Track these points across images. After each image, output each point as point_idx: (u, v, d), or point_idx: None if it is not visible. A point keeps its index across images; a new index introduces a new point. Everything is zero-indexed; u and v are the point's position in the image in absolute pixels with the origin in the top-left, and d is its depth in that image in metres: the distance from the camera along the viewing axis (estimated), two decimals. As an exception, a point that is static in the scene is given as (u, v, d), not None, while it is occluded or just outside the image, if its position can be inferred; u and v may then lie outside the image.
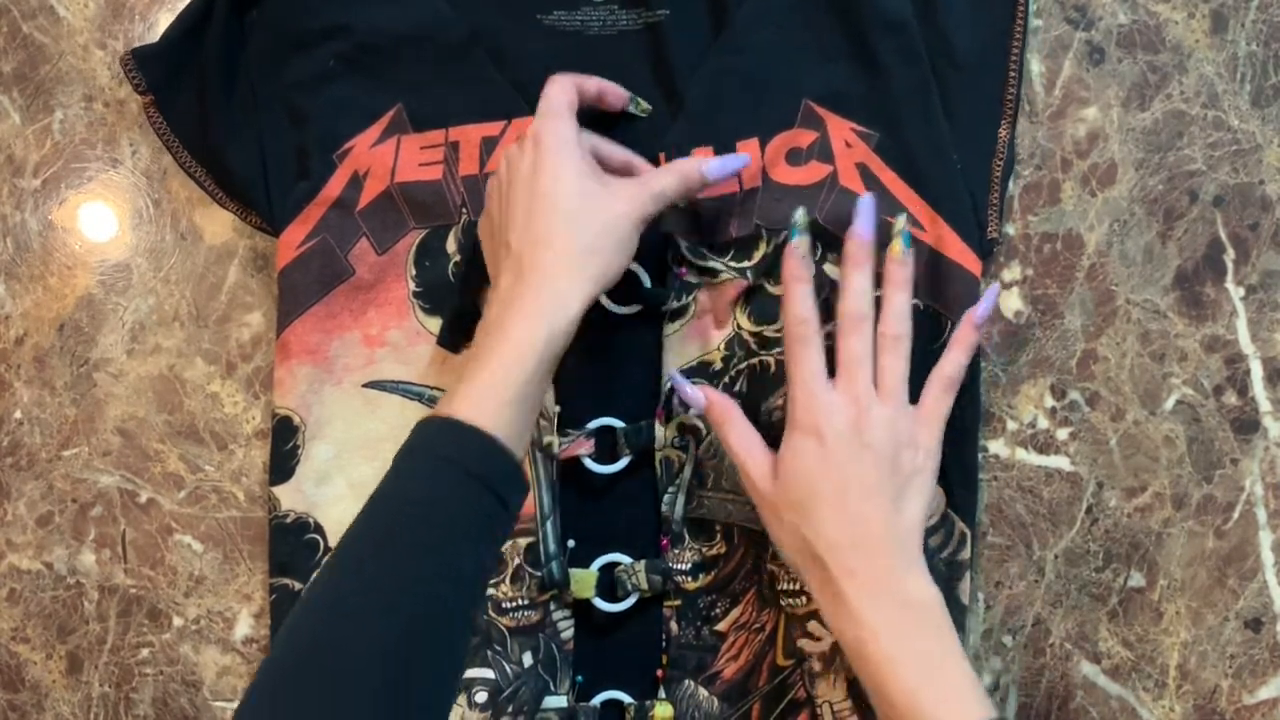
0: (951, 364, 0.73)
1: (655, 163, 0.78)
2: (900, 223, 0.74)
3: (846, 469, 0.69)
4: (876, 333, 0.72)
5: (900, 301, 0.73)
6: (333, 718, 0.58)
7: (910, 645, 0.67)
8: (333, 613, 0.61)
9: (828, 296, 0.78)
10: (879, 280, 0.77)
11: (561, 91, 0.73)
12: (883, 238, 0.74)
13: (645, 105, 0.80)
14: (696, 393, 0.75)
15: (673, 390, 0.78)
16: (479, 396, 0.65)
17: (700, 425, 0.78)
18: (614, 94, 0.78)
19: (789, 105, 0.79)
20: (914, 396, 0.78)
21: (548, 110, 0.72)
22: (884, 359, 0.72)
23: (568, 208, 0.69)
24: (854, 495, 0.69)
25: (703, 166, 0.74)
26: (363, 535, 0.63)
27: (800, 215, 0.74)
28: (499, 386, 0.65)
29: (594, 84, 0.77)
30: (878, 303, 0.78)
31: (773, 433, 0.78)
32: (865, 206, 0.74)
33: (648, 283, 0.79)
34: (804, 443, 0.70)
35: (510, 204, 0.71)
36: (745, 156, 0.76)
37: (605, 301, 0.79)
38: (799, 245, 0.73)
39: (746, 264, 0.78)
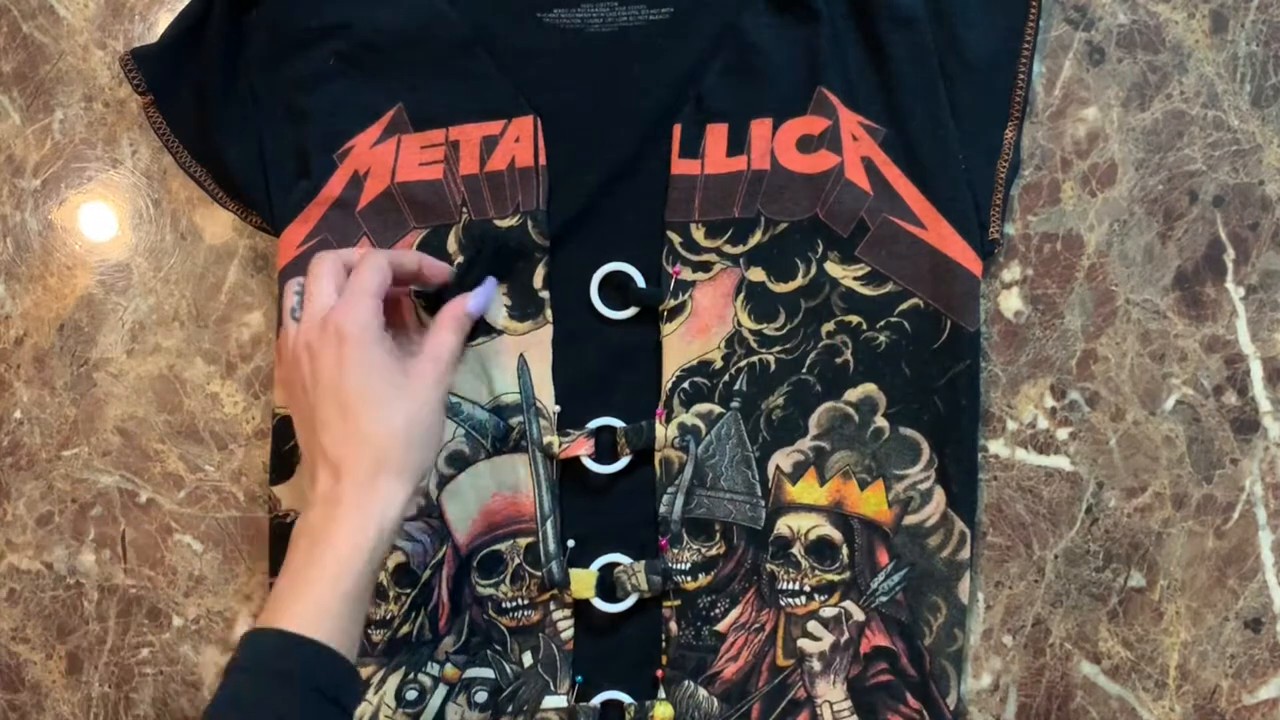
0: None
1: (669, 142, 0.79)
2: None
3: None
4: None
5: None
6: None
7: None
8: None
9: (829, 295, 0.78)
10: (881, 280, 0.77)
11: (373, 273, 0.72)
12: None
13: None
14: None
15: (674, 390, 0.78)
16: (309, 610, 0.65)
17: (700, 425, 0.78)
18: (434, 269, 0.77)
19: (804, 89, 0.79)
20: (914, 397, 0.78)
21: (352, 294, 0.71)
22: None
23: (379, 403, 0.69)
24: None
25: (466, 305, 0.75)
26: None
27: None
28: (329, 597, 0.65)
29: (413, 259, 0.76)
30: (883, 301, 0.78)
31: (774, 432, 0.78)
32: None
33: (641, 283, 0.79)
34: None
35: (321, 403, 0.70)
36: (491, 284, 0.77)
37: (601, 308, 0.79)
38: None
39: (741, 249, 0.79)
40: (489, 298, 0.77)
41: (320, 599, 0.65)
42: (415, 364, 0.72)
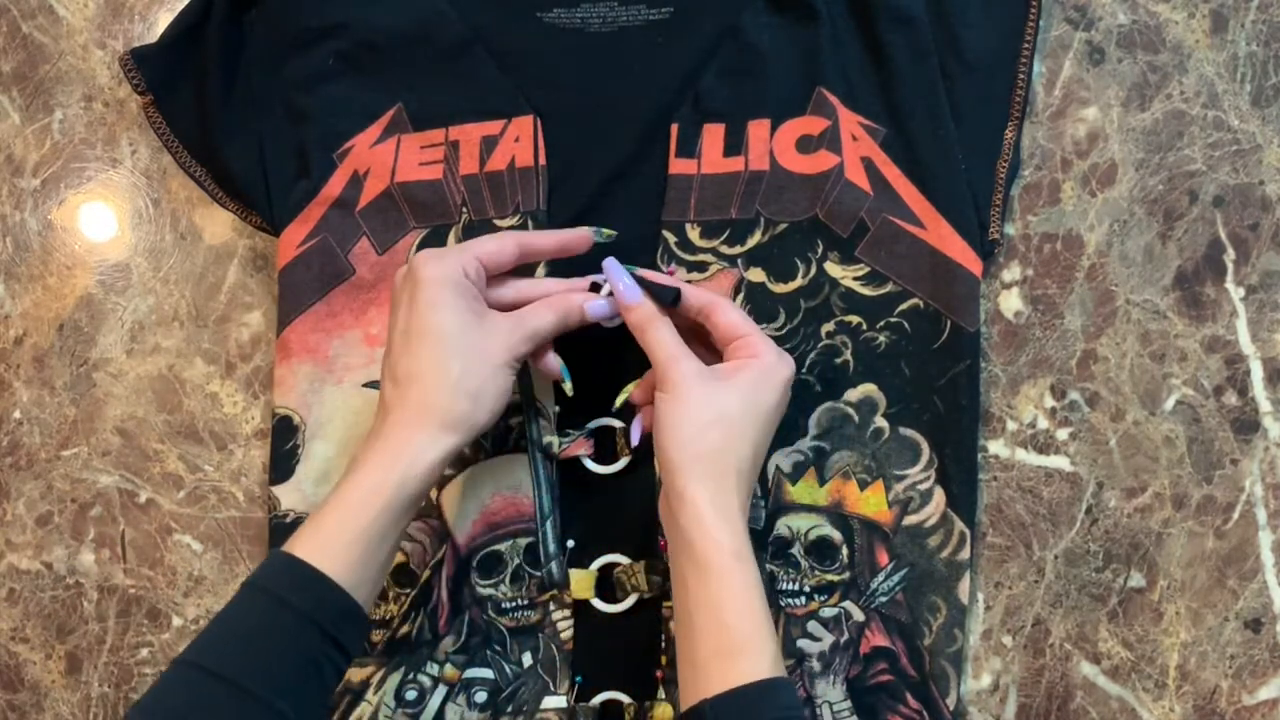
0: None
1: (666, 138, 0.79)
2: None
3: (776, 405, 0.70)
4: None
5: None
6: None
7: (752, 568, 0.67)
8: None
9: (828, 295, 0.78)
10: (881, 280, 0.77)
11: (488, 240, 0.72)
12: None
13: (609, 232, 0.77)
14: (633, 284, 0.73)
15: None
16: (324, 538, 0.65)
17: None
18: (577, 239, 0.76)
19: (802, 90, 0.79)
20: (914, 397, 0.78)
21: (449, 250, 0.71)
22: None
23: (441, 339, 0.68)
24: (766, 430, 0.70)
25: (586, 304, 0.73)
26: (191, 660, 0.63)
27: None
28: (339, 532, 0.65)
29: (551, 241, 0.75)
30: (883, 301, 0.78)
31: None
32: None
33: None
34: (777, 376, 0.69)
35: (393, 330, 0.70)
36: (636, 291, 0.73)
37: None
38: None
39: (740, 249, 0.79)
40: (607, 312, 0.74)
41: (331, 533, 0.65)
42: (494, 318, 0.71)
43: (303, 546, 0.65)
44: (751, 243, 0.79)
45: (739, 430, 0.68)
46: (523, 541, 0.79)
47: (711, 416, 0.68)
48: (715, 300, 0.72)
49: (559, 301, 0.73)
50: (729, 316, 0.72)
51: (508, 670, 0.79)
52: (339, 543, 0.65)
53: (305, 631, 0.63)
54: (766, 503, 0.78)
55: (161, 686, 0.62)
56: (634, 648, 0.79)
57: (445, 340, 0.68)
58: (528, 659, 0.79)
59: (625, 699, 0.78)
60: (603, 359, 0.80)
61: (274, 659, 0.63)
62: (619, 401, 0.77)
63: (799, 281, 0.79)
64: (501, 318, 0.71)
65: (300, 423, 0.81)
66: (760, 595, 0.66)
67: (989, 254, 0.79)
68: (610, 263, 0.74)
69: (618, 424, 0.79)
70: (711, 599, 0.65)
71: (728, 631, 0.64)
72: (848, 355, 0.79)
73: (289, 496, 0.81)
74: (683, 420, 0.68)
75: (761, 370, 0.69)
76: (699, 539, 0.66)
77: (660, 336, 0.71)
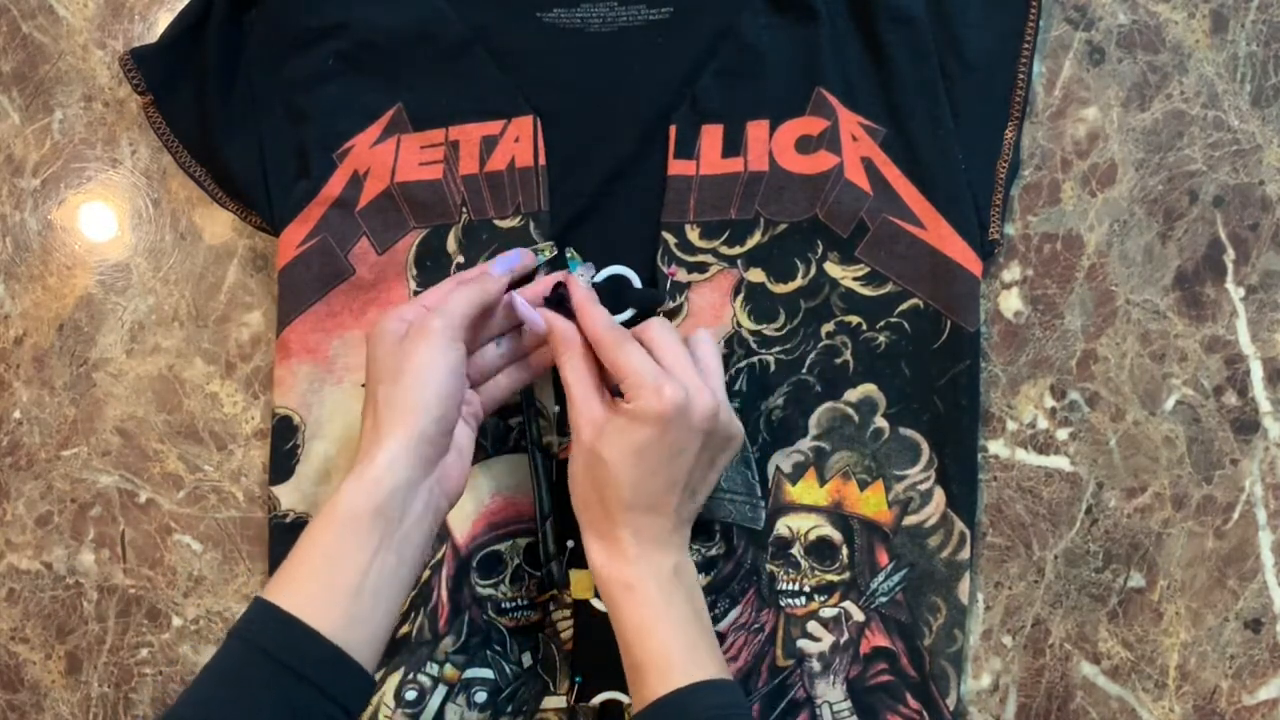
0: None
1: (666, 139, 0.79)
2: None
3: (678, 453, 0.69)
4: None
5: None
6: None
7: (670, 601, 0.69)
8: None
9: (828, 296, 0.78)
10: (881, 280, 0.76)
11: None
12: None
13: (546, 248, 0.79)
14: (535, 315, 0.74)
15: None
16: (296, 588, 0.64)
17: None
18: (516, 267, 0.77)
19: (801, 90, 0.79)
20: (914, 397, 0.78)
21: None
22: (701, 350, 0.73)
23: (380, 356, 0.70)
24: (670, 474, 0.70)
25: (491, 268, 0.75)
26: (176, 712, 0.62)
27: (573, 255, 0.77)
28: (311, 577, 0.65)
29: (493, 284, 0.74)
30: (883, 301, 0.78)
31: (774, 432, 0.78)
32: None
33: (638, 284, 0.79)
34: (647, 416, 0.69)
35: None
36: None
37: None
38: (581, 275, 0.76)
39: (738, 250, 0.79)
40: (515, 261, 0.76)
41: (304, 579, 0.65)
42: (416, 325, 0.71)
43: (278, 591, 0.64)
44: (751, 243, 0.79)
45: (611, 473, 0.69)
46: (523, 541, 0.79)
47: (587, 462, 0.70)
48: (614, 341, 0.71)
49: (466, 284, 0.73)
50: (616, 357, 0.71)
51: (507, 670, 0.79)
52: (313, 587, 0.64)
53: (282, 679, 0.62)
54: (767, 503, 0.78)
55: None
56: (634, 648, 0.79)
57: (389, 365, 0.70)
58: (527, 659, 0.79)
59: (625, 699, 0.78)
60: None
61: (252, 708, 0.62)
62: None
63: (799, 282, 0.79)
64: (421, 324, 0.71)
65: (300, 423, 0.81)
66: (665, 614, 0.69)
67: (989, 254, 0.79)
68: (514, 298, 0.74)
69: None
70: (619, 628, 0.70)
71: (630, 654, 0.69)
72: (848, 355, 0.79)
73: (289, 496, 0.81)
74: (573, 470, 0.71)
75: (637, 413, 0.69)
76: (599, 579, 0.71)
77: (570, 373, 0.72)
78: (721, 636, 0.78)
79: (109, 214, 0.87)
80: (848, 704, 0.77)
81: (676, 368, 0.70)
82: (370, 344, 0.71)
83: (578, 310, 0.73)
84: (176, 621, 0.85)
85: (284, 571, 0.65)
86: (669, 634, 0.68)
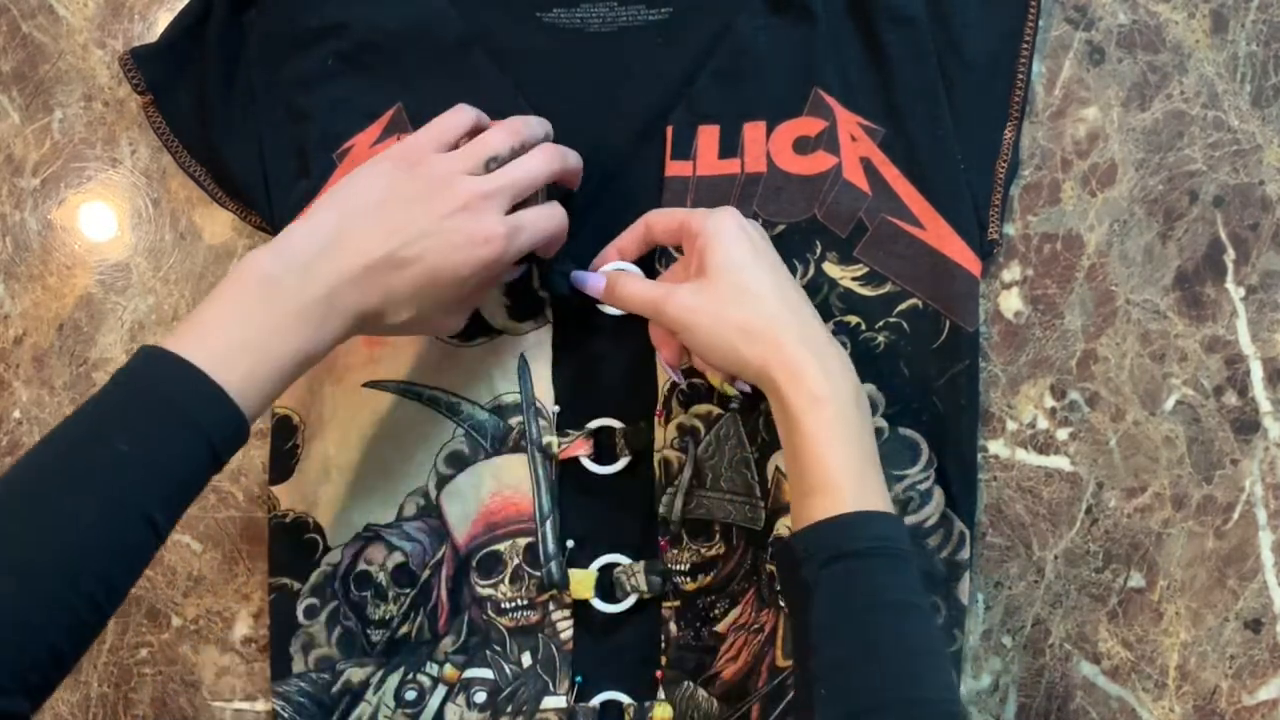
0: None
1: (663, 143, 0.79)
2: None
3: (768, 253, 0.72)
4: None
5: None
6: None
7: (853, 423, 0.68)
8: None
9: (827, 296, 0.78)
10: (879, 280, 0.76)
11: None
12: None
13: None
14: (598, 278, 0.76)
15: (671, 390, 0.78)
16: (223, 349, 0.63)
17: (699, 426, 0.78)
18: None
19: (799, 91, 0.79)
20: (913, 397, 0.78)
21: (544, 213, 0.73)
22: None
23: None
24: (785, 276, 0.71)
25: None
26: (48, 461, 0.61)
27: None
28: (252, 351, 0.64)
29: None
30: (882, 301, 0.78)
31: (773, 432, 0.78)
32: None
33: None
34: (723, 227, 0.71)
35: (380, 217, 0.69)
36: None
37: (601, 305, 0.79)
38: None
39: None
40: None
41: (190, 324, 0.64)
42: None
43: (199, 351, 0.63)
44: (750, 244, 0.79)
45: (746, 285, 0.69)
46: (522, 541, 0.79)
47: (716, 315, 0.70)
48: (643, 220, 0.76)
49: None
50: (662, 222, 0.75)
51: (507, 670, 0.79)
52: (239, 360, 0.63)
53: (200, 451, 0.62)
54: (766, 503, 0.78)
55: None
56: (634, 648, 0.79)
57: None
58: (527, 659, 0.79)
59: (625, 699, 0.78)
60: (600, 360, 0.80)
61: (165, 475, 0.62)
62: (664, 384, 0.79)
63: (798, 282, 0.79)
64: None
65: (300, 422, 0.81)
66: (844, 435, 0.67)
67: (988, 254, 0.79)
68: (574, 270, 0.77)
69: (617, 424, 0.79)
70: (793, 442, 0.68)
71: (804, 475, 0.67)
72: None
73: (288, 496, 0.81)
74: (706, 342, 0.70)
75: (714, 239, 0.70)
76: (787, 387, 0.67)
77: (637, 293, 0.73)
78: (721, 637, 0.78)
79: (109, 214, 0.87)
80: (847, 704, 0.77)
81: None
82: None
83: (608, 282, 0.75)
84: (176, 621, 0.85)
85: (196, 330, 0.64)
86: (848, 457, 0.67)
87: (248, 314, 0.65)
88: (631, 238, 0.77)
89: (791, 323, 0.69)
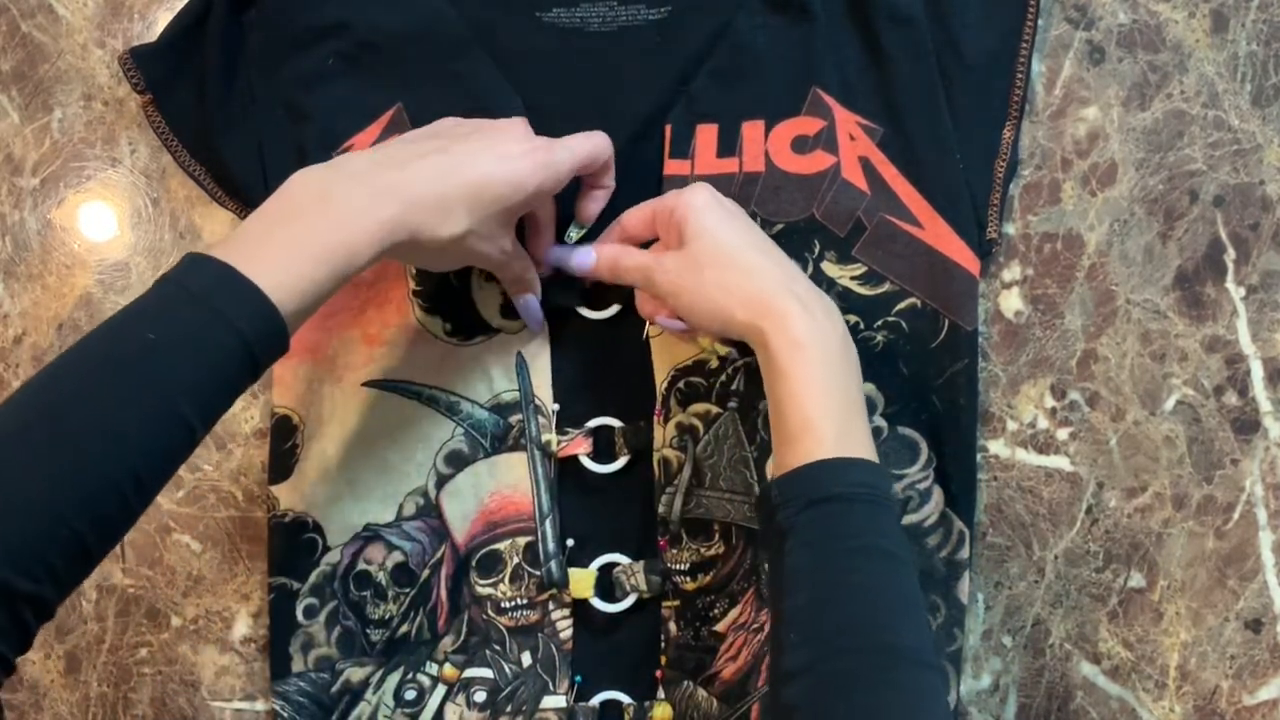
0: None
1: (661, 142, 0.79)
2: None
3: (742, 217, 0.73)
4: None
5: None
6: None
7: (836, 368, 0.68)
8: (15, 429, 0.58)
9: (826, 295, 0.78)
10: (878, 280, 0.76)
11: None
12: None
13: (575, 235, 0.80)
14: (583, 254, 0.77)
15: (670, 390, 0.78)
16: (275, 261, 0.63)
17: (699, 425, 0.78)
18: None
19: (797, 90, 0.79)
20: (912, 397, 0.78)
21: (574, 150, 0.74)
22: None
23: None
24: (761, 236, 0.73)
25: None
26: (87, 356, 0.61)
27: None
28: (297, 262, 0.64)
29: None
30: (880, 300, 0.78)
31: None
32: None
33: None
34: (697, 197, 0.72)
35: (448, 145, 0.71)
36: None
37: (582, 309, 0.79)
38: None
39: None
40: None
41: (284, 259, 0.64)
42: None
43: (249, 261, 0.62)
44: (749, 243, 0.79)
45: (722, 245, 0.70)
46: (522, 540, 0.79)
47: (697, 277, 0.70)
48: (618, 221, 0.77)
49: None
50: (635, 216, 0.76)
51: (507, 670, 0.79)
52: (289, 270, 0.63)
53: (231, 343, 0.61)
54: (766, 502, 0.78)
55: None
56: (634, 648, 0.79)
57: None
58: (527, 659, 0.79)
59: (625, 699, 0.78)
60: (600, 359, 0.80)
61: (194, 365, 0.61)
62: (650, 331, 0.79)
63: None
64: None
65: (299, 422, 0.81)
66: (826, 379, 0.67)
67: (987, 253, 0.79)
68: (555, 250, 0.78)
69: (616, 423, 0.79)
70: (777, 388, 0.67)
71: (785, 421, 0.66)
72: (847, 355, 0.78)
73: (288, 496, 0.81)
74: (691, 303, 0.71)
75: (690, 209, 0.71)
76: (771, 333, 0.68)
77: (629, 261, 0.74)
78: (721, 636, 0.78)
79: (109, 213, 0.87)
80: (847, 704, 0.77)
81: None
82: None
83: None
84: (175, 621, 0.85)
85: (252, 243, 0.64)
86: (829, 402, 0.66)
87: (290, 218, 0.65)
88: (609, 240, 0.77)
89: (774, 273, 0.70)
